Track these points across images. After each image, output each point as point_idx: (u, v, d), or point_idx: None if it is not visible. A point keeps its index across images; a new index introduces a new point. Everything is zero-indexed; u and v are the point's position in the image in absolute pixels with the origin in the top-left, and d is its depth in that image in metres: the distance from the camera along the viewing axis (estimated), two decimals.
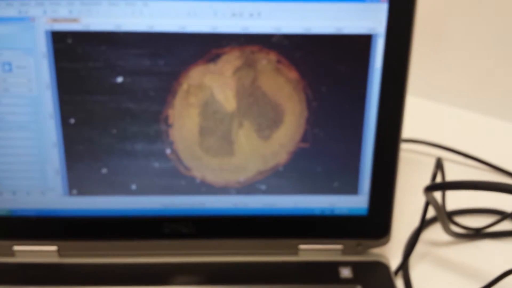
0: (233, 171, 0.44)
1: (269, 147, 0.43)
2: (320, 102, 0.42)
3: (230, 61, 0.41)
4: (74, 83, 0.40)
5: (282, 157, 0.43)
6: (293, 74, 0.41)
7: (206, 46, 0.40)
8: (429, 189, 0.42)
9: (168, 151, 0.43)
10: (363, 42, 0.40)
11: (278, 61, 0.41)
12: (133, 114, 0.42)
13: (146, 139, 0.42)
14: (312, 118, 0.42)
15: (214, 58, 0.41)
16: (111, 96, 0.41)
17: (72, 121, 0.41)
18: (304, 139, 0.43)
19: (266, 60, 0.41)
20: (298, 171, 0.44)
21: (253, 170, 0.44)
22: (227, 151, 0.43)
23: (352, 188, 0.44)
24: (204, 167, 0.43)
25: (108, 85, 0.41)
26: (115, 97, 0.41)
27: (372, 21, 0.40)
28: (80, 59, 0.40)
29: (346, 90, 0.41)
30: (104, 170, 0.43)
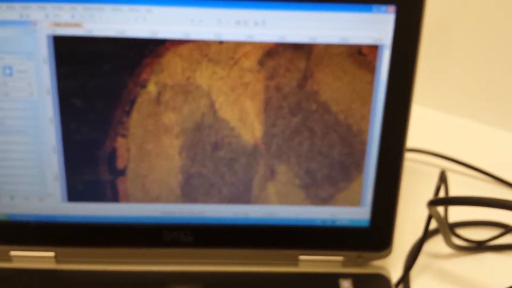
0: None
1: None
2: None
3: None
4: (74, 88, 0.40)
5: None
6: None
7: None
8: (432, 203, 0.42)
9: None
10: (369, 52, 0.40)
11: None
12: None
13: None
14: None
15: None
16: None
17: (72, 126, 0.41)
18: None
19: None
20: None
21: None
22: None
23: (354, 200, 0.43)
24: None
25: None
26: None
27: (379, 32, 0.39)
28: (82, 64, 0.39)
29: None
30: None
